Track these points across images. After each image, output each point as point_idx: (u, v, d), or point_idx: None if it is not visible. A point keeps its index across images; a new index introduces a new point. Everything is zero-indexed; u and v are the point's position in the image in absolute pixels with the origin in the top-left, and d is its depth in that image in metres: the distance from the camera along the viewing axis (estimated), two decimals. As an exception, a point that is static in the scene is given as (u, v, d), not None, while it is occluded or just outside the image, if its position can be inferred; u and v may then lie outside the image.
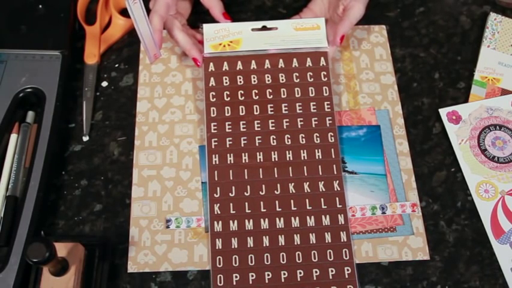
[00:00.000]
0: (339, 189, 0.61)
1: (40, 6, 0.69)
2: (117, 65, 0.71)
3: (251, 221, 0.60)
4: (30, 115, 0.65)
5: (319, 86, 0.65)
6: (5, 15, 0.69)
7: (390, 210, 0.63)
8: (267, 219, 0.60)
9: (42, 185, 0.60)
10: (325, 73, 0.66)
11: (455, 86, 0.71)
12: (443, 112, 0.68)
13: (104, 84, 0.69)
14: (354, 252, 0.60)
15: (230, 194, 0.61)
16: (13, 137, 0.63)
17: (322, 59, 0.66)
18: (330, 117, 0.64)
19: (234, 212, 0.60)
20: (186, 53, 0.67)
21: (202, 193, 0.63)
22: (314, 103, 0.65)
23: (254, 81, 0.66)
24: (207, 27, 0.67)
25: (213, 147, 0.63)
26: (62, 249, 0.54)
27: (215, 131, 0.63)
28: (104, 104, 0.68)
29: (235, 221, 0.60)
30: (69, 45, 0.68)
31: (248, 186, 0.61)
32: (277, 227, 0.60)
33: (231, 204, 0.60)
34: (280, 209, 0.60)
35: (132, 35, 0.72)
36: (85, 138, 0.66)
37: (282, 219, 0.60)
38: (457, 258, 0.61)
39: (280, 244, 0.59)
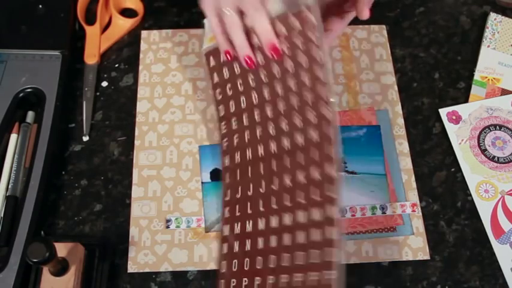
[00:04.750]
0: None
1: (40, 6, 0.69)
2: (117, 65, 0.71)
3: (251, 221, 0.59)
4: (30, 115, 0.65)
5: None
6: (5, 15, 0.69)
7: (390, 210, 0.63)
8: (264, 219, 0.59)
9: (42, 185, 0.60)
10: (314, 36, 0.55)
11: (455, 86, 0.71)
12: (443, 112, 0.68)
13: (104, 84, 0.69)
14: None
15: (237, 196, 0.59)
16: (13, 137, 0.63)
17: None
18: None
19: (239, 213, 0.59)
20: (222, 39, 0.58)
21: (202, 193, 0.63)
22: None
23: None
24: (208, 23, 0.66)
25: (224, 148, 0.61)
26: (62, 249, 0.54)
27: (224, 131, 0.61)
28: (104, 104, 0.68)
29: (238, 224, 0.58)
30: (69, 45, 0.68)
31: (251, 185, 0.60)
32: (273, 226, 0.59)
33: (237, 206, 0.58)
34: (276, 207, 0.59)
35: (132, 35, 0.72)
36: (85, 138, 0.66)
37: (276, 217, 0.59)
38: (457, 258, 0.61)
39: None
